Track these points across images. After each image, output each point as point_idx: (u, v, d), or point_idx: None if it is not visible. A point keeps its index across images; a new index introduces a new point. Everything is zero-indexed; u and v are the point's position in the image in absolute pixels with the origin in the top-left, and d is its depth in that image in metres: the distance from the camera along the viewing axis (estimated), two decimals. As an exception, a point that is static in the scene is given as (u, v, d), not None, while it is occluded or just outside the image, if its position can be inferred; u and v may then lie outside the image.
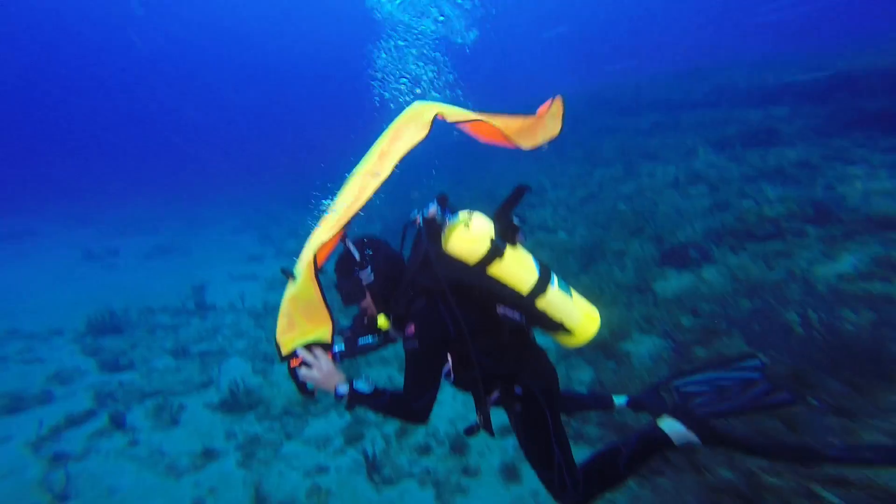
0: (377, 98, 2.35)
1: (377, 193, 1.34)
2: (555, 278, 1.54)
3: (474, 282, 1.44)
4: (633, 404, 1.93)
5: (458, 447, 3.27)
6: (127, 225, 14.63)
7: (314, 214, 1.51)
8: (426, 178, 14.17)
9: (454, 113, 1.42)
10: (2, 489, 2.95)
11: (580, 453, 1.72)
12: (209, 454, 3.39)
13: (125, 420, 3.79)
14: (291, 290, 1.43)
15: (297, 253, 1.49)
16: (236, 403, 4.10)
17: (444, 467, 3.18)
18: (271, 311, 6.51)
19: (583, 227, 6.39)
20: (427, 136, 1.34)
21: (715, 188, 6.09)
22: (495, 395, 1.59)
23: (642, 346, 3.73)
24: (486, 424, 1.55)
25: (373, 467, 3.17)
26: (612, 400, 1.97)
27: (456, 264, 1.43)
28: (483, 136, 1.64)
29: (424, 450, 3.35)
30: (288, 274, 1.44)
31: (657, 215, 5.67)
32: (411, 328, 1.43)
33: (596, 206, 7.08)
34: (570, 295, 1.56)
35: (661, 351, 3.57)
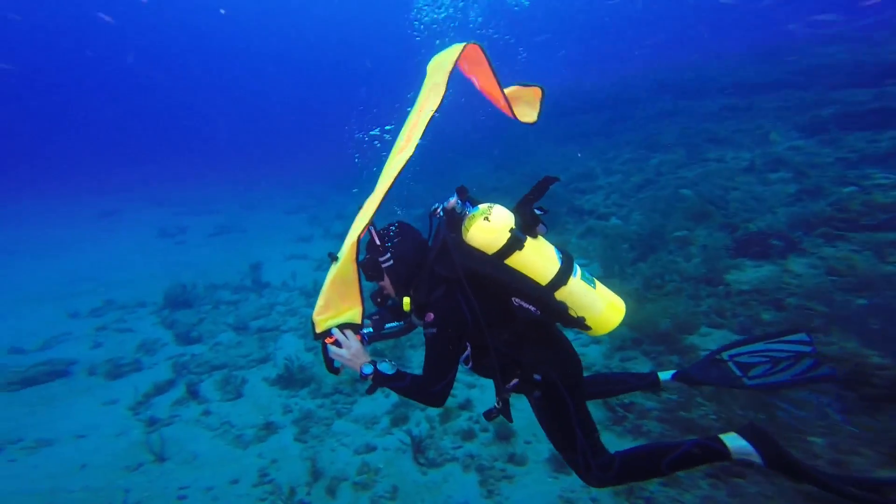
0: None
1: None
2: (577, 269, 1.55)
3: (492, 272, 1.45)
4: (682, 377, 1.90)
5: (503, 434, 3.30)
6: (194, 206, 15.90)
7: (357, 198, 1.58)
8: (472, 163, 13.96)
9: (466, 59, 1.49)
10: (119, 445, 3.44)
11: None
12: (269, 427, 3.70)
13: (199, 391, 4.23)
14: (332, 271, 1.51)
15: (343, 234, 1.55)
16: (291, 379, 4.42)
17: (488, 453, 3.23)
18: (320, 290, 6.86)
19: (639, 213, 5.98)
20: (443, 98, 1.41)
21: (802, 174, 5.37)
22: (514, 381, 1.59)
23: (712, 341, 3.48)
24: (505, 410, 1.59)
25: (418, 449, 3.30)
26: (657, 377, 1.94)
27: (475, 254, 1.46)
28: (487, 93, 1.68)
29: (468, 435, 3.42)
30: (333, 257, 1.51)
31: (729, 202, 5.15)
32: (430, 316, 1.48)
33: (654, 192, 6.56)
34: (594, 285, 1.56)
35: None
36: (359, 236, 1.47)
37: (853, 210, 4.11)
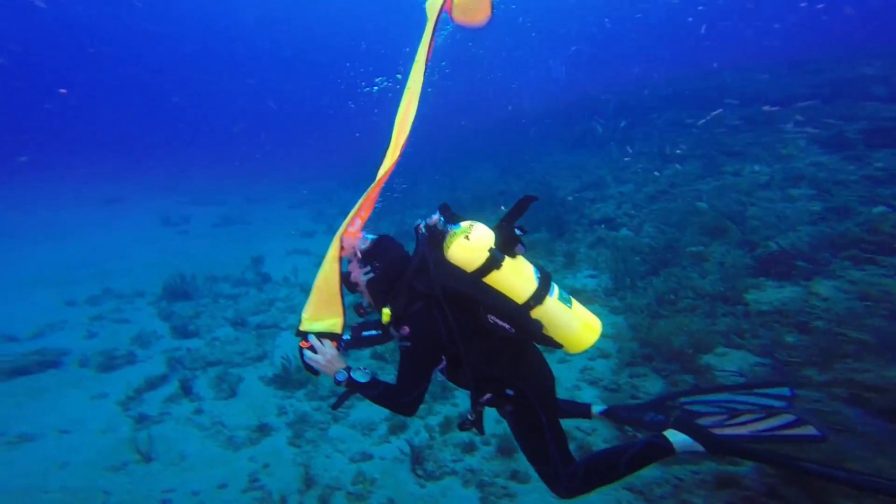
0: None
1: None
2: (555, 289, 1.57)
3: (469, 290, 1.49)
4: (609, 415, 2.00)
5: (505, 449, 3.13)
6: (199, 196, 15.79)
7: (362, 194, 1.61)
8: (479, 167, 13.78)
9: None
10: (104, 443, 3.28)
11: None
12: (263, 429, 3.54)
13: (192, 387, 4.07)
14: (320, 277, 1.57)
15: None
16: (288, 379, 4.26)
17: (489, 469, 3.06)
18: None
19: (651, 225, 5.79)
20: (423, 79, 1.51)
21: (826, 191, 5.14)
22: (487, 396, 1.64)
23: (729, 362, 3.30)
24: (478, 423, 1.63)
25: (416, 460, 3.13)
26: (588, 408, 2.06)
27: (454, 271, 1.49)
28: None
29: (469, 448, 3.25)
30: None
31: (747, 218, 4.93)
32: (406, 329, 1.52)
33: (667, 204, 6.36)
34: (570, 305, 1.58)
35: (753, 368, 3.13)
36: (342, 233, 1.54)
37: (884, 232, 3.90)
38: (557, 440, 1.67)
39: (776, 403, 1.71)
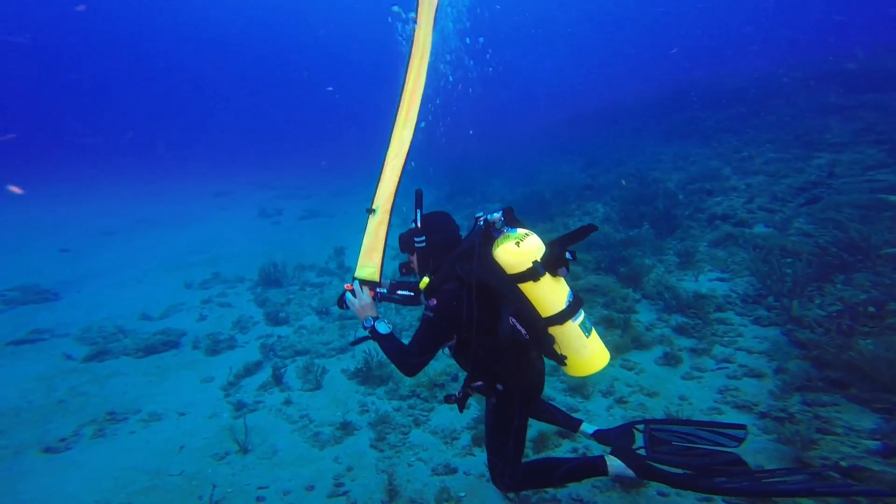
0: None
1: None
2: (580, 316, 1.60)
3: (502, 289, 1.55)
4: (599, 436, 2.08)
5: (625, 482, 2.59)
6: (288, 190, 17.12)
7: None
8: (561, 161, 12.79)
9: None
10: (211, 428, 3.46)
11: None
12: (346, 427, 3.45)
13: (283, 376, 4.17)
14: (370, 225, 1.78)
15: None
16: (370, 375, 4.17)
17: (604, 501, 2.57)
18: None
19: (805, 220, 4.58)
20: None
21: None
22: (479, 383, 1.76)
23: None
24: (461, 402, 1.78)
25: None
26: (579, 424, 2.14)
27: (494, 269, 1.55)
28: None
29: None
30: (370, 211, 1.80)
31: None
32: (433, 302, 1.61)
33: (828, 196, 5.03)
34: (588, 334, 1.61)
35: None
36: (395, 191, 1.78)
37: None
38: (517, 442, 1.78)
39: (727, 442, 1.80)
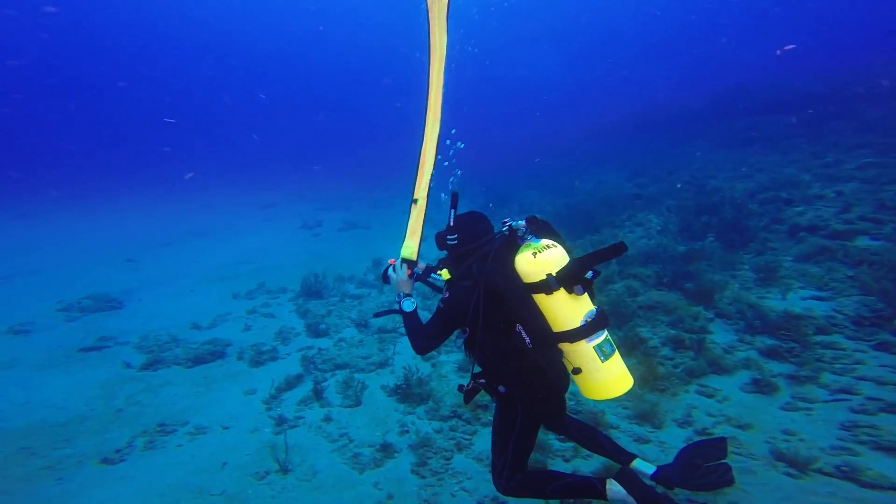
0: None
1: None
2: (599, 338, 1.54)
3: (512, 297, 1.57)
4: (661, 479, 1.91)
5: None
6: (329, 201, 17.69)
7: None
8: (603, 169, 12.26)
9: None
10: (252, 444, 3.43)
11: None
12: (386, 449, 3.29)
13: (323, 391, 4.11)
14: (414, 213, 1.95)
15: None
16: (409, 393, 4.01)
17: None
18: (434, 295, 6.53)
19: None
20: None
21: None
22: (482, 381, 1.86)
23: None
24: (467, 394, 1.87)
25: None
26: (632, 458, 2.00)
27: (510, 275, 1.57)
28: None
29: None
30: (414, 201, 1.96)
31: None
32: (447, 295, 1.77)
33: None
34: (604, 359, 1.55)
35: None
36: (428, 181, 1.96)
37: None
38: (519, 447, 1.79)
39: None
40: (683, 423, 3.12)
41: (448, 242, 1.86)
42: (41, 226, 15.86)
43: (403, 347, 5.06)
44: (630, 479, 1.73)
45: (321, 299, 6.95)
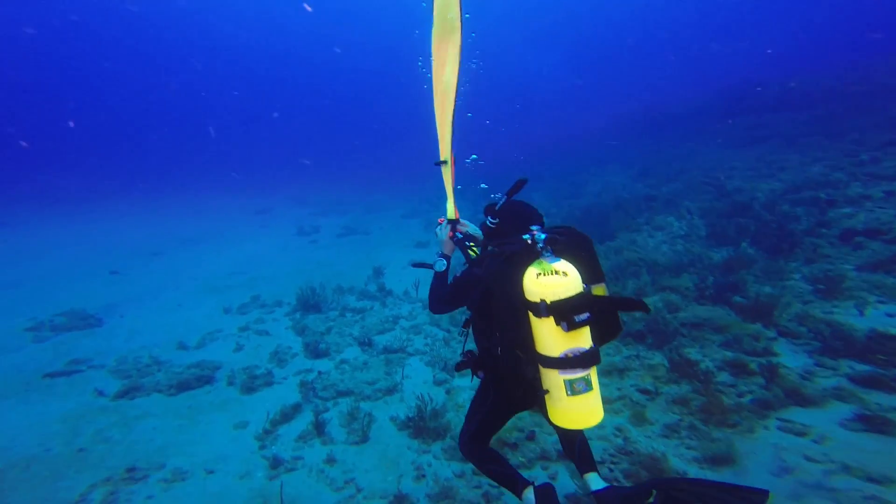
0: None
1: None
2: (575, 374, 1.53)
3: (506, 304, 1.63)
4: (601, 498, 1.82)
5: None
6: (326, 206, 17.19)
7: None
8: (608, 170, 11.87)
9: None
10: (240, 493, 2.93)
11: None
12: (402, 501, 2.80)
13: (325, 425, 3.61)
14: (445, 177, 2.12)
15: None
16: (423, 426, 3.52)
17: None
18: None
19: None
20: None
21: None
22: (469, 356, 1.96)
23: None
24: (460, 366, 1.94)
25: None
26: (590, 471, 1.94)
27: (514, 283, 1.59)
28: None
29: None
30: (439, 163, 2.11)
31: None
32: (460, 274, 1.92)
33: None
34: (571, 394, 1.54)
35: None
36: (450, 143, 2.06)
37: None
38: (485, 423, 1.94)
39: None
40: (780, 472, 2.54)
41: (488, 224, 1.96)
42: (20, 235, 15.19)
43: (412, 370, 4.57)
44: (546, 495, 1.76)
45: (320, 313, 6.44)
